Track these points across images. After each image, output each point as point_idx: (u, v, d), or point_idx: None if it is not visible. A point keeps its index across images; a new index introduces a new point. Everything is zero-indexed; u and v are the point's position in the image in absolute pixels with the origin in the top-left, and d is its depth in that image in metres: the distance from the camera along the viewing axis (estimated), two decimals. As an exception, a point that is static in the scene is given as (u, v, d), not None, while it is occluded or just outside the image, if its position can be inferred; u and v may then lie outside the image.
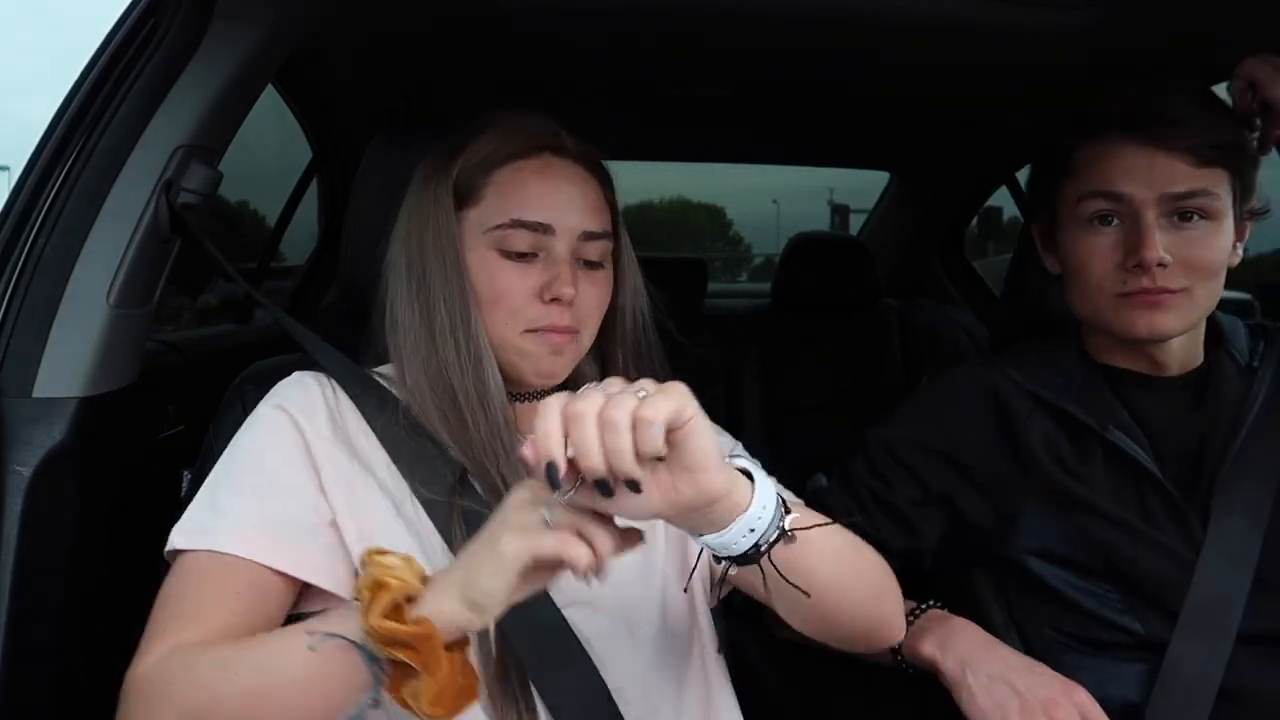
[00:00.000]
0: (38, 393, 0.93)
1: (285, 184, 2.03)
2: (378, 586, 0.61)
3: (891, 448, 1.09)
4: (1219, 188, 0.99)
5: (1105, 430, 1.01)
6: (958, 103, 1.88)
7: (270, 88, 1.49)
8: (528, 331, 0.83)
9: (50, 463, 0.91)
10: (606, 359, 0.93)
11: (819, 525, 0.70)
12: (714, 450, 0.60)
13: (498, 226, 0.83)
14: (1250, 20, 1.18)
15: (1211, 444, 1.01)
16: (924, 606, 0.99)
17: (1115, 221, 1.00)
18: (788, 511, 0.67)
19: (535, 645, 0.76)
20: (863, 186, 3.08)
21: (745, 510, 0.63)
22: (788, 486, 1.28)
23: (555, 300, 0.82)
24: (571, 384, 0.93)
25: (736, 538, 0.64)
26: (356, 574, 0.67)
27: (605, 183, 0.89)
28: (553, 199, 0.83)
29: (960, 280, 2.80)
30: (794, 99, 1.92)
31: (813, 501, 1.11)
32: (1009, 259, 1.31)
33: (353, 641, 0.62)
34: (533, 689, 0.76)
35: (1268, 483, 0.99)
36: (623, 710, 0.78)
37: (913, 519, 1.07)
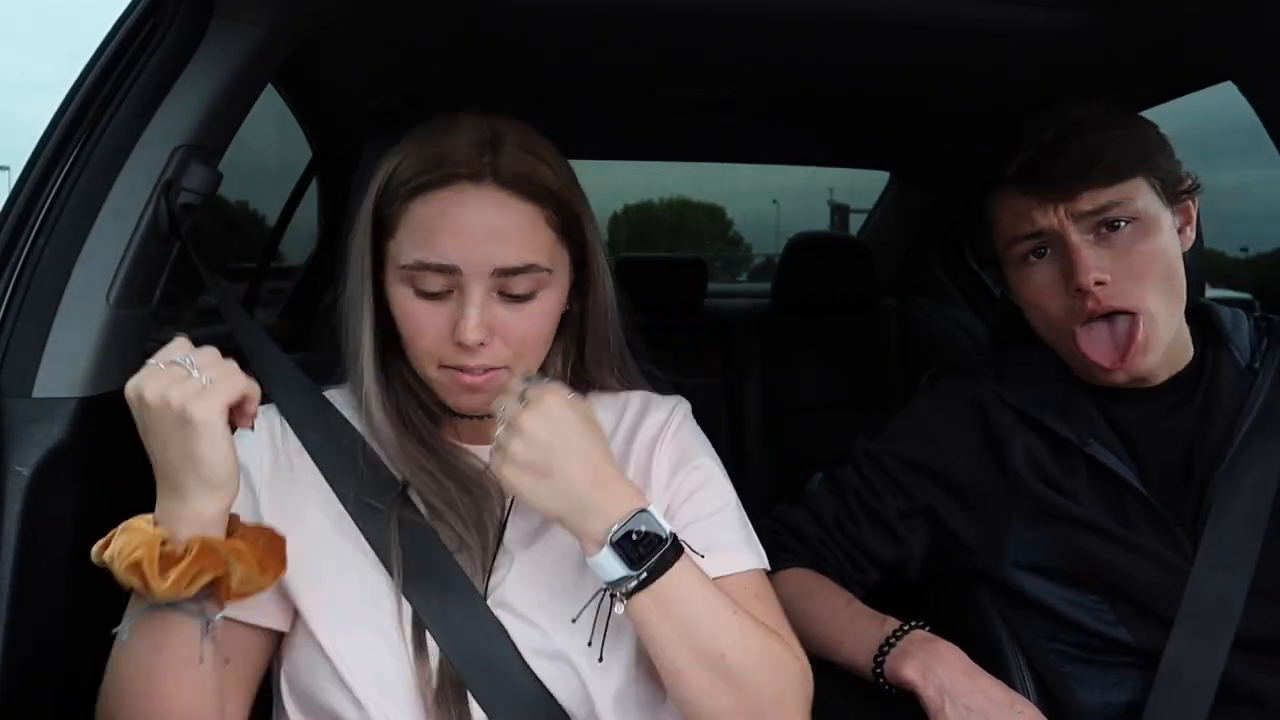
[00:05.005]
0: (38, 393, 0.93)
1: (285, 184, 2.03)
2: (135, 567, 0.66)
3: (879, 461, 1.09)
4: (1135, 191, 0.97)
5: (1084, 444, 1.01)
6: (958, 102, 1.88)
7: (270, 88, 1.49)
8: (443, 367, 0.82)
9: (50, 463, 0.91)
10: (582, 378, 0.93)
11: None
12: None
13: (406, 266, 0.80)
14: (1248, 20, 1.18)
15: (1202, 448, 1.00)
16: (908, 627, 0.98)
17: (1048, 253, 0.99)
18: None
19: (471, 655, 0.78)
20: (863, 186, 3.08)
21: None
22: (788, 486, 1.28)
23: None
24: None
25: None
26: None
27: (548, 204, 0.81)
28: (461, 237, 0.78)
29: (960, 280, 2.79)
30: (794, 99, 1.92)
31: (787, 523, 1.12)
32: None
33: (156, 606, 0.70)
34: (469, 698, 0.77)
35: (1266, 487, 0.97)
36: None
37: (900, 530, 1.07)
